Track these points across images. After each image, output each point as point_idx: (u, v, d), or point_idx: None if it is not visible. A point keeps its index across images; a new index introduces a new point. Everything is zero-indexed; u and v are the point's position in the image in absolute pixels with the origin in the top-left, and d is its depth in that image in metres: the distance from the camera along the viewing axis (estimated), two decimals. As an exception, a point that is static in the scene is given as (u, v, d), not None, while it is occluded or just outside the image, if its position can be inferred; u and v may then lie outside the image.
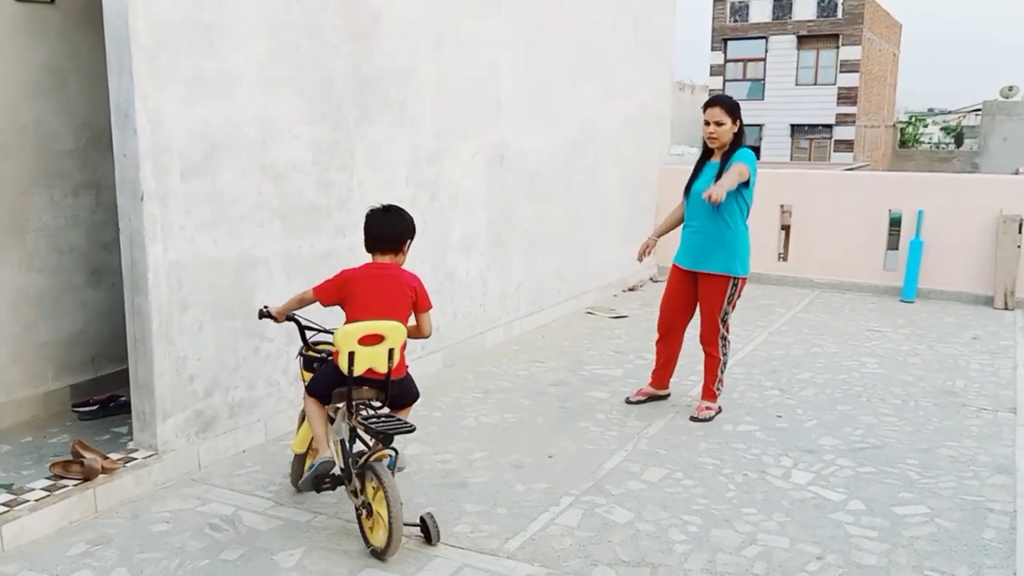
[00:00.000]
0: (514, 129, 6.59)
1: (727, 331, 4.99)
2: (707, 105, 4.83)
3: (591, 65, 7.73)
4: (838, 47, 34.85)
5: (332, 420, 3.54)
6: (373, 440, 3.37)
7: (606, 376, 5.77)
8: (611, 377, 5.75)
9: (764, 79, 36.13)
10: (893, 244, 8.93)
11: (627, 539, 3.50)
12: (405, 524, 3.29)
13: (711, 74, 37.16)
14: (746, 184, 4.74)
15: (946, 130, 56.40)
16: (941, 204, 8.51)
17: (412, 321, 3.61)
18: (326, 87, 4.73)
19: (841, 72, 34.88)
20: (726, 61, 36.76)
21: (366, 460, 3.34)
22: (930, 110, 61.62)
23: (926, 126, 56.77)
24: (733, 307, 4.95)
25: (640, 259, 5.35)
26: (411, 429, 3.34)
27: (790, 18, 35.57)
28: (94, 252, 4.93)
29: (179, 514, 3.69)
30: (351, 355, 3.29)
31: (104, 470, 3.80)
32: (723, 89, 36.63)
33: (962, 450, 4.52)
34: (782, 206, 9.32)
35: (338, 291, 3.51)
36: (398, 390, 3.51)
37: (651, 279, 9.39)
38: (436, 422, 4.86)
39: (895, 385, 5.66)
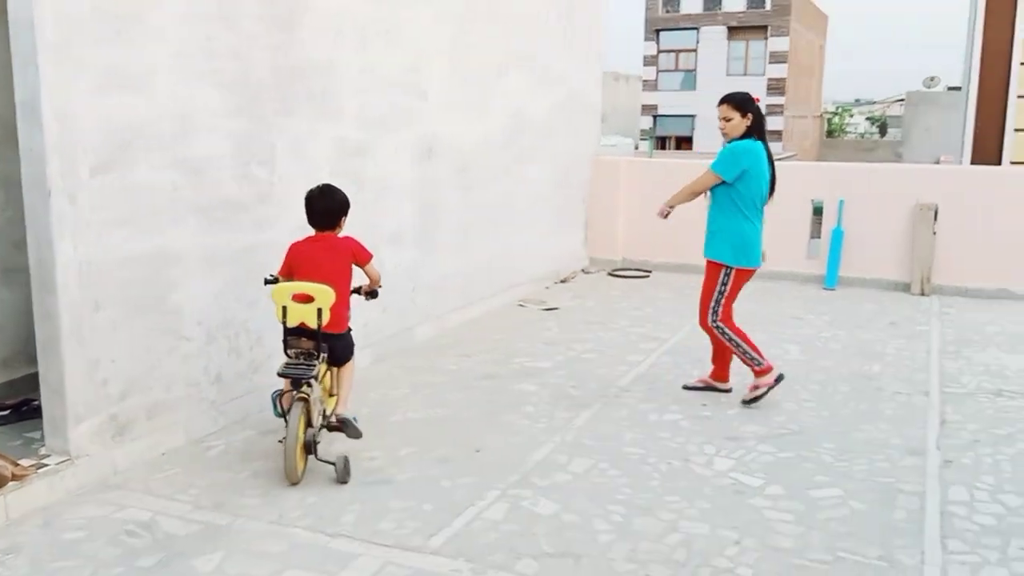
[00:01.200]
0: (442, 120, 6.56)
1: (720, 320, 5.05)
2: (719, 103, 5.02)
3: (520, 54, 7.72)
4: (767, 38, 35.61)
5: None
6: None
7: (535, 369, 5.80)
8: (540, 369, 5.78)
9: (696, 70, 36.71)
10: (815, 233, 9.17)
11: (552, 531, 3.52)
12: (324, 461, 3.92)
13: (644, 64, 37.59)
14: (735, 176, 4.92)
15: (871, 120, 58.03)
16: (861, 194, 8.76)
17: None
18: (245, 79, 4.63)
19: (770, 63, 35.64)
20: (659, 52, 37.23)
21: (288, 401, 3.90)
22: (856, 100, 63.26)
23: (852, 116, 58.31)
24: (726, 297, 5.03)
25: None
26: (310, 376, 3.88)
27: (720, 9, 36.18)
28: (5, 250, 4.75)
29: (93, 521, 3.58)
30: (284, 308, 3.90)
31: (14, 477, 3.66)
32: (655, 79, 37.12)
33: (876, 433, 4.66)
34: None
35: (286, 264, 4.16)
36: (337, 343, 4.15)
37: (582, 271, 9.47)
38: (363, 418, 4.77)
39: (815, 371, 5.81)
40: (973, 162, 10.33)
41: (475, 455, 4.31)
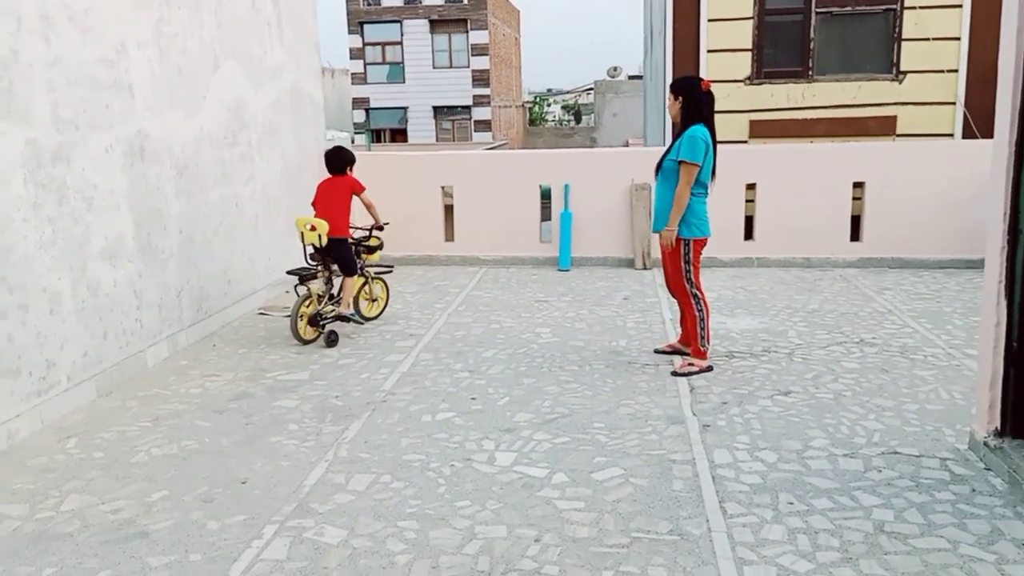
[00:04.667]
0: (153, 117, 5.86)
1: (697, 289, 5.43)
2: None
3: (233, 45, 7.13)
4: (467, 31, 36.59)
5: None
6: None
7: (292, 381, 5.38)
8: (297, 382, 5.37)
9: (403, 62, 36.85)
10: (546, 216, 9.50)
11: (344, 561, 3.23)
12: (320, 333, 6.20)
13: (351, 57, 37.09)
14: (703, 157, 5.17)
15: (566, 108, 62.06)
16: (583, 177, 9.20)
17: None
18: (-100, 71, 3.75)
19: (473, 55, 36.70)
20: (364, 44, 36.89)
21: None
22: (549, 90, 67.14)
23: (549, 105, 61.96)
24: (694, 267, 5.38)
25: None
26: (306, 275, 6.14)
27: (420, 3, 36.58)
28: None
29: None
30: (302, 234, 6.15)
31: None
32: (364, 73, 36.81)
33: (638, 407, 4.85)
34: (443, 187, 9.47)
35: (315, 197, 6.45)
36: (336, 254, 6.29)
37: (321, 270, 9.03)
38: (98, 464, 4.14)
39: (569, 352, 5.97)
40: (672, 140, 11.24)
41: (241, 488, 3.87)
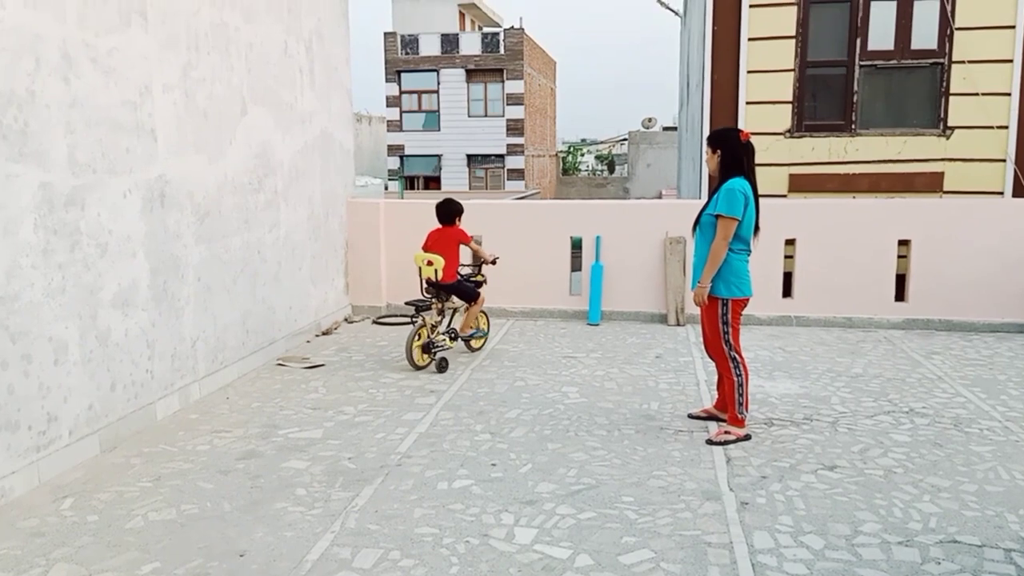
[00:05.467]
0: (175, 162, 5.72)
1: (736, 352, 5.13)
2: None
3: (263, 89, 7.02)
4: (503, 81, 36.90)
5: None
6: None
7: (304, 440, 5.11)
8: (310, 441, 5.10)
9: (439, 110, 37.20)
10: (575, 267, 9.23)
11: (343, 652, 2.92)
12: (432, 360, 6.73)
13: (387, 105, 37.54)
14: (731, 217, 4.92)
15: (599, 158, 62.10)
16: (616, 229, 8.93)
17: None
18: (-94, 112, 3.62)
19: (508, 105, 36.94)
20: (401, 92, 37.34)
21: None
22: (583, 140, 67.31)
23: (583, 155, 62.08)
24: (733, 328, 5.10)
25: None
26: (423, 306, 6.71)
27: (458, 52, 37.02)
28: None
29: None
30: (420, 269, 6.74)
31: None
32: (400, 120, 37.18)
33: (670, 479, 4.51)
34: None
35: (425, 242, 6.99)
36: (453, 291, 6.94)
37: (346, 320, 8.83)
38: (90, 529, 3.89)
39: (597, 414, 5.64)
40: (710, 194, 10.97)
41: (239, 561, 3.58)
